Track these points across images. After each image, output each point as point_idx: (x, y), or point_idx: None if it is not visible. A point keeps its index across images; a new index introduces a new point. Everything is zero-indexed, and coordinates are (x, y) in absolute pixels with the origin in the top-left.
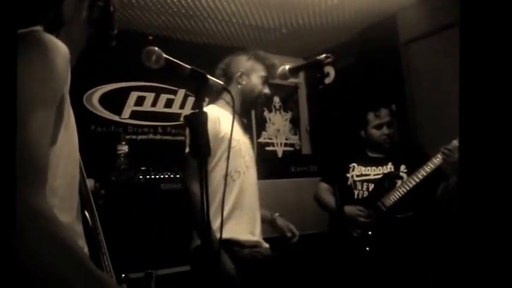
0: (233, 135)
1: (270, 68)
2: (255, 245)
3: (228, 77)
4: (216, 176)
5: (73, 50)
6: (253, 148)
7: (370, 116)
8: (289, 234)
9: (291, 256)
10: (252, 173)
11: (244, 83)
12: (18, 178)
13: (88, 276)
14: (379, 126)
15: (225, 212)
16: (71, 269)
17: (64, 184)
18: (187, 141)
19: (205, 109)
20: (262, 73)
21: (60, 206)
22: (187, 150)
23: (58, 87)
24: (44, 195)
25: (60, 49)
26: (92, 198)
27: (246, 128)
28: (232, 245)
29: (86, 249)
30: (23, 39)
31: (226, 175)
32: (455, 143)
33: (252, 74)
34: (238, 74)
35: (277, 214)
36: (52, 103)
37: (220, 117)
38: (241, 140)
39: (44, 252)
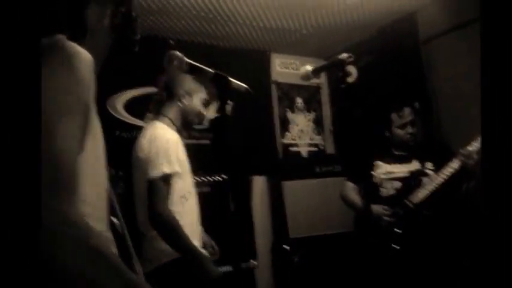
0: (182, 157)
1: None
2: None
3: (170, 93)
4: (174, 197)
5: (97, 57)
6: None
7: (394, 116)
8: (210, 250)
9: (319, 256)
10: (194, 191)
11: (186, 103)
12: (47, 187)
13: (124, 280)
14: (403, 126)
15: (187, 230)
16: (107, 275)
17: (93, 191)
18: (155, 163)
19: (156, 128)
20: (204, 96)
21: (91, 213)
22: (156, 174)
23: (83, 95)
24: (75, 203)
25: (84, 57)
26: (117, 205)
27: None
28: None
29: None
30: (47, 47)
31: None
32: (469, 148)
33: (193, 95)
34: (181, 93)
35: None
36: (78, 111)
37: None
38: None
39: (79, 260)
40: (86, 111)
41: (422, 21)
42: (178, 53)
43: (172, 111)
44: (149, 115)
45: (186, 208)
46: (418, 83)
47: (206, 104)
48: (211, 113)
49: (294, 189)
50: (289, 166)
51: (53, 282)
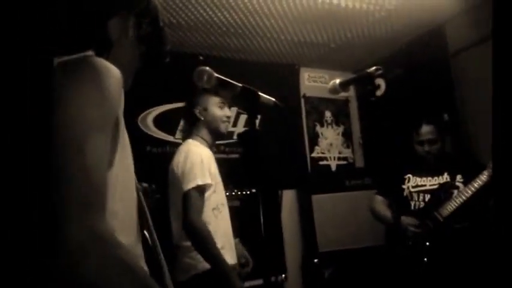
0: (214, 170)
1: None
2: (235, 268)
3: (191, 116)
4: (207, 209)
5: (126, 70)
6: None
7: (414, 133)
8: (242, 260)
9: (349, 269)
10: (226, 202)
11: (206, 118)
12: (77, 203)
13: None
14: (420, 143)
15: (221, 241)
16: (134, 287)
17: (123, 206)
18: (190, 177)
19: (190, 144)
20: (218, 99)
21: (121, 227)
22: (190, 186)
23: (112, 111)
24: (105, 218)
25: (112, 72)
26: (149, 217)
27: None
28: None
29: (146, 269)
30: (75, 64)
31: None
32: None
33: (208, 106)
34: (197, 111)
35: (237, 239)
36: (107, 127)
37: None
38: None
39: (108, 275)
40: (115, 126)
41: (450, 33)
42: (207, 68)
43: (199, 129)
44: (183, 135)
45: (219, 220)
46: (447, 95)
47: (222, 105)
48: (240, 127)
49: (324, 202)
50: (318, 179)
51: None
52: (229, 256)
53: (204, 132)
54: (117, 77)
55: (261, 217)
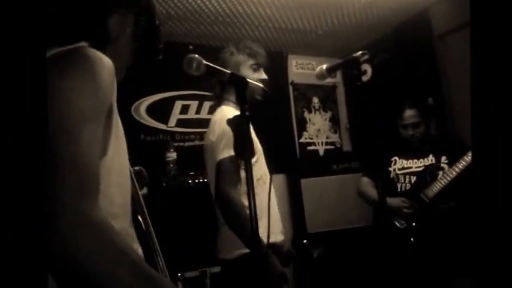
0: (254, 138)
1: (256, 55)
2: (282, 243)
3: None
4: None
5: (119, 65)
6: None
7: (397, 117)
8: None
9: (337, 250)
10: (268, 173)
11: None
12: (70, 190)
13: (143, 276)
14: (404, 127)
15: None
16: (127, 271)
17: (118, 192)
18: (221, 146)
19: (223, 111)
20: (250, 61)
21: (116, 212)
22: (222, 156)
23: (105, 100)
24: (98, 205)
25: (104, 62)
26: (143, 204)
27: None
28: (273, 247)
29: (140, 251)
30: (68, 55)
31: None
32: None
33: (240, 68)
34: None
35: None
36: (100, 116)
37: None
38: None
39: (101, 260)
40: (108, 115)
41: (435, 17)
42: (196, 56)
43: (230, 93)
44: (214, 102)
45: (264, 190)
46: (433, 78)
47: (257, 68)
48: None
49: (312, 186)
50: (307, 164)
51: (72, 280)
52: (278, 230)
53: (236, 97)
54: (110, 67)
55: (252, 201)
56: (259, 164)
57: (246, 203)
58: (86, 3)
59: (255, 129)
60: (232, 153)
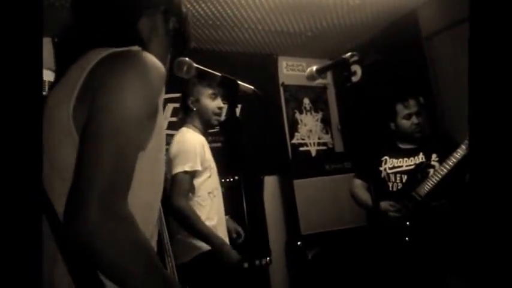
0: (208, 156)
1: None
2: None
3: (184, 106)
4: (202, 193)
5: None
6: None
7: (399, 107)
8: (234, 235)
9: (332, 250)
10: (220, 188)
11: (198, 109)
12: (102, 186)
13: (156, 276)
14: (408, 116)
15: (213, 224)
16: (142, 268)
17: (151, 188)
18: (176, 161)
19: (182, 131)
20: (210, 91)
21: (147, 207)
22: (180, 169)
23: (153, 103)
24: (126, 200)
25: (157, 67)
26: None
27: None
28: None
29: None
30: (124, 57)
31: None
32: None
33: (200, 97)
34: (190, 101)
35: (227, 217)
36: (145, 118)
37: (203, 141)
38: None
39: (120, 250)
40: (154, 114)
41: (423, 18)
42: (186, 59)
43: (192, 118)
44: (178, 124)
45: (214, 203)
46: (422, 77)
47: (214, 97)
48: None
49: (305, 187)
50: (299, 165)
51: (94, 270)
52: (222, 234)
53: (197, 122)
54: (161, 72)
55: (244, 203)
56: (211, 180)
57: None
58: (115, 8)
59: (244, 131)
60: (187, 168)
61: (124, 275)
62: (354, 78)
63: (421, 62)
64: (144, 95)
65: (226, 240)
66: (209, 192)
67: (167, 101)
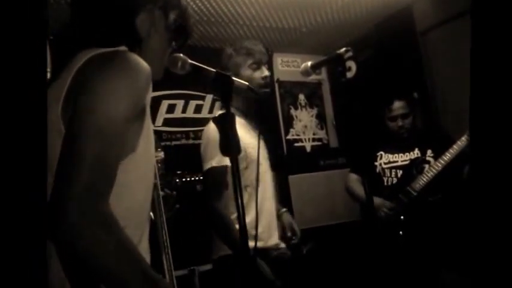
0: (250, 143)
1: (253, 53)
2: (277, 247)
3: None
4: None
5: (157, 61)
6: (266, 147)
7: (385, 109)
8: (289, 234)
9: (327, 245)
10: (268, 177)
11: (237, 83)
12: (84, 186)
13: (138, 273)
14: (392, 119)
15: (247, 221)
16: (124, 266)
17: (143, 187)
18: (207, 155)
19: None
20: (249, 61)
21: (139, 207)
22: (208, 166)
23: (139, 104)
24: (107, 201)
25: (142, 68)
26: (161, 200)
27: (255, 128)
28: (260, 251)
29: (145, 246)
30: (109, 58)
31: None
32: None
33: (239, 70)
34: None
35: (284, 210)
36: (130, 119)
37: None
38: (256, 146)
39: (101, 249)
40: (140, 116)
41: (418, 13)
42: (181, 55)
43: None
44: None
45: (252, 198)
46: (417, 73)
47: (257, 66)
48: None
49: (300, 182)
50: (294, 161)
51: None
52: (266, 230)
53: (238, 100)
54: (147, 72)
55: (239, 199)
56: (250, 171)
57: (231, 208)
58: (111, 6)
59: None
60: (214, 164)
61: (104, 272)
62: (349, 74)
63: (416, 57)
64: (128, 96)
65: (274, 238)
66: (246, 186)
67: (162, 97)
